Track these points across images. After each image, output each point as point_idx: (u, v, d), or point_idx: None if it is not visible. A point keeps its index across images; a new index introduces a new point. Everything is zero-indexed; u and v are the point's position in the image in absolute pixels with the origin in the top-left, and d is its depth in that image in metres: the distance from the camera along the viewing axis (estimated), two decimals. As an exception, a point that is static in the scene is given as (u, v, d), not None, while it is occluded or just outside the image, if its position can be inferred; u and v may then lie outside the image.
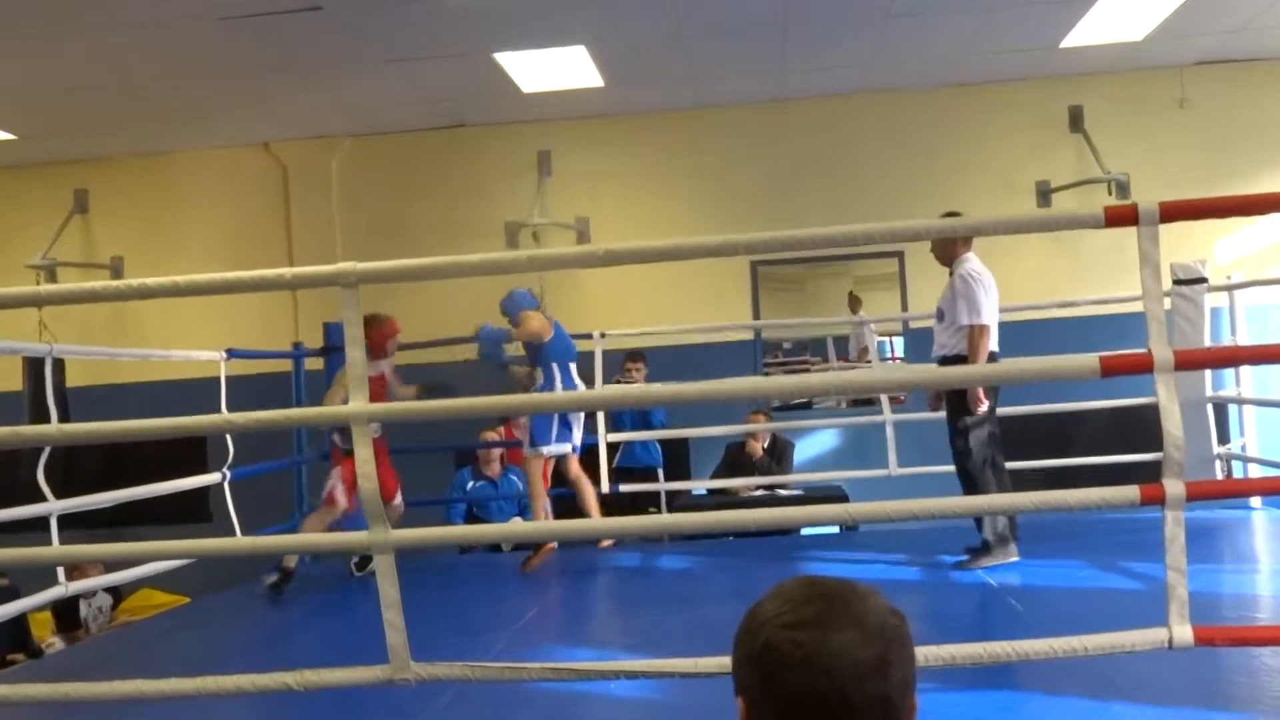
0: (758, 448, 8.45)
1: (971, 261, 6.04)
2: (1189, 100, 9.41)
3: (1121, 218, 3.22)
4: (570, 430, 6.92)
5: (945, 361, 6.08)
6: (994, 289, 5.99)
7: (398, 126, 9.91)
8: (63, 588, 5.65)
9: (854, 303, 9.81)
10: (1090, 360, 3.23)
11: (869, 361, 9.49)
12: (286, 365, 8.49)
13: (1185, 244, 8.17)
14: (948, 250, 6.14)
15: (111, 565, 6.55)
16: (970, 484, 5.94)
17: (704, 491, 8.33)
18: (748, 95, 9.63)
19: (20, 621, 6.77)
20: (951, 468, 7.52)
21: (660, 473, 8.66)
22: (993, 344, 5.93)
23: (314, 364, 8.33)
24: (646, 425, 8.46)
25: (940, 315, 6.14)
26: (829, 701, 1.26)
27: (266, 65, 8.10)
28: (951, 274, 6.10)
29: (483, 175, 10.02)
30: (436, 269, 3.92)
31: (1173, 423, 3.09)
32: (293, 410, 3.94)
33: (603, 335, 8.08)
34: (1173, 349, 3.14)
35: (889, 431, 7.55)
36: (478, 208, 9.95)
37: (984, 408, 5.86)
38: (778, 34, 8.06)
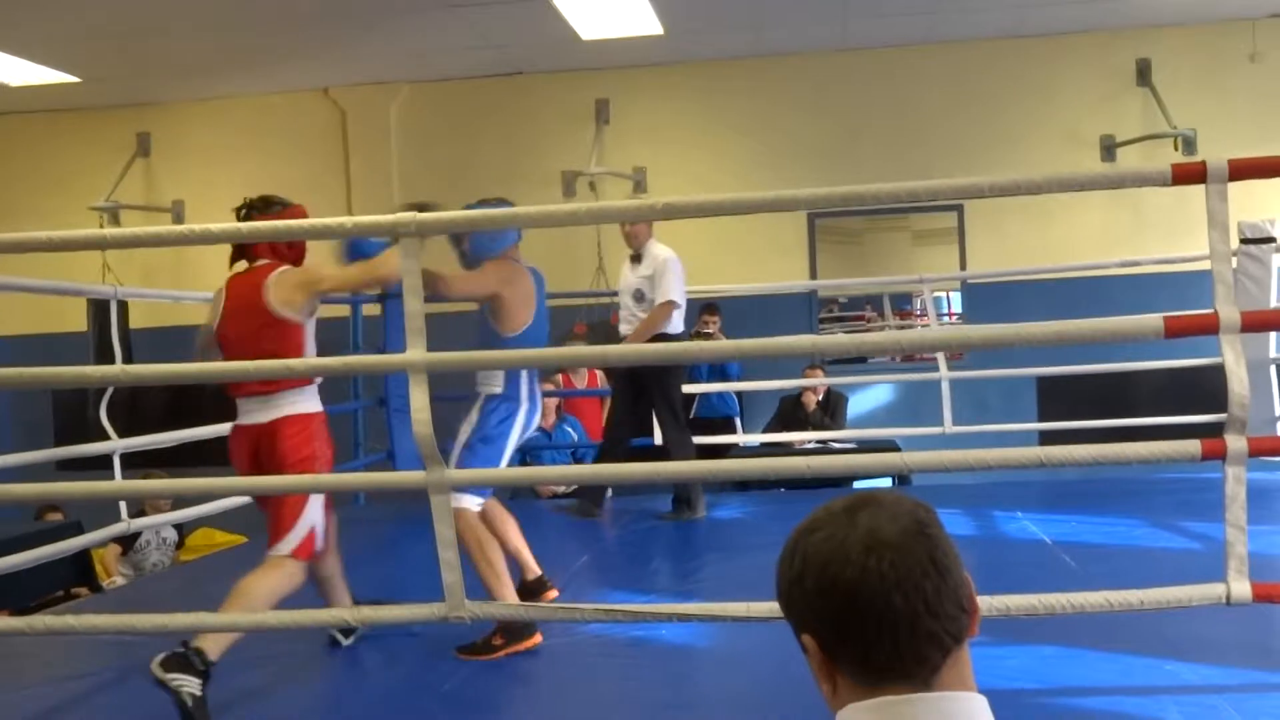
0: (813, 400, 8.46)
1: (663, 246, 6.52)
2: (1260, 54, 9.19)
3: (1189, 175, 3.15)
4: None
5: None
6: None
7: (457, 73, 9.90)
8: (125, 524, 5.77)
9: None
10: (1154, 320, 3.17)
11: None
12: (344, 310, 8.55)
13: (1253, 202, 8.01)
14: (641, 234, 6.51)
15: (175, 503, 6.69)
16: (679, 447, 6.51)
17: (757, 444, 8.33)
18: (809, 44, 9.52)
19: (83, 557, 6.92)
20: (1007, 426, 7.51)
21: (738, 422, 8.68)
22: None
23: (371, 309, 8.38)
24: (723, 377, 8.48)
25: (640, 296, 6.49)
26: (885, 577, 1.22)
27: (328, 10, 8.12)
28: (640, 257, 6.50)
29: (540, 123, 10.01)
30: (495, 221, 3.92)
31: (1238, 382, 3.04)
32: (351, 358, 3.96)
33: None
34: (1239, 310, 3.09)
35: (944, 388, 7.49)
36: (535, 156, 9.94)
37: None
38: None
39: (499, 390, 4.30)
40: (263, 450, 3.87)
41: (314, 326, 3.95)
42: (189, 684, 3.40)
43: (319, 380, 3.96)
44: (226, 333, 3.93)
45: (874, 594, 1.22)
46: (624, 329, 6.58)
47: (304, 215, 3.93)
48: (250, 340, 3.84)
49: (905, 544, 1.24)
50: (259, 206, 3.95)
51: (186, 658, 3.44)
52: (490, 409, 4.30)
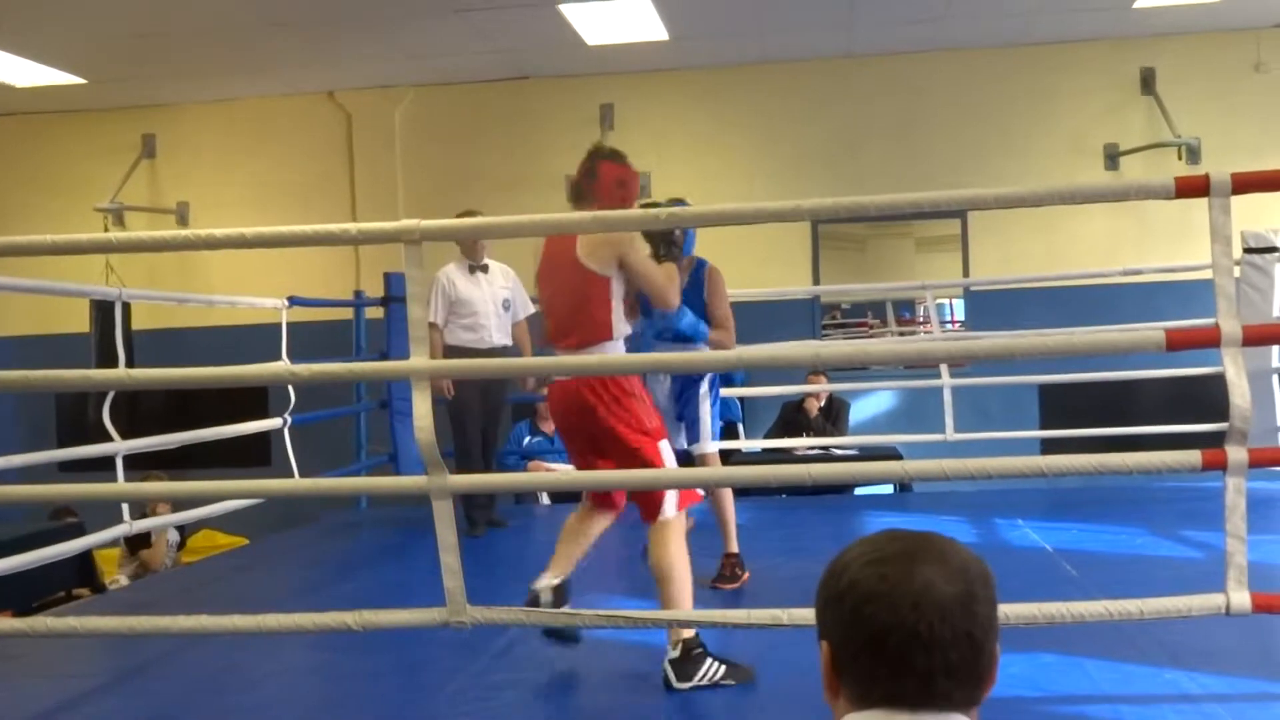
0: (815, 406, 8.45)
1: None
2: (1265, 63, 9.20)
3: (1192, 189, 3.15)
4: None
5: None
6: None
7: (462, 77, 9.92)
8: (127, 525, 5.77)
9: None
10: (1155, 334, 3.18)
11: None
12: (348, 314, 8.58)
13: (1256, 211, 8.01)
14: (487, 245, 6.54)
15: (177, 505, 6.69)
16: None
17: (758, 450, 8.32)
18: (815, 51, 9.53)
19: (86, 558, 6.93)
20: (1009, 433, 7.48)
21: (740, 428, 8.68)
22: None
23: (374, 313, 8.40)
24: (727, 383, 8.46)
25: (509, 305, 6.59)
26: (919, 635, 1.26)
27: (333, 14, 8.13)
28: (486, 267, 6.54)
29: (545, 128, 10.01)
30: (499, 228, 3.91)
31: (1240, 396, 3.05)
32: (355, 364, 3.89)
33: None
34: (1241, 323, 3.09)
35: (946, 395, 7.49)
36: (540, 160, 9.95)
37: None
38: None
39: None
40: (586, 418, 3.76)
41: (622, 290, 3.81)
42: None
43: (627, 332, 3.88)
44: (542, 292, 3.86)
45: (901, 645, 1.27)
46: (499, 338, 6.51)
47: (632, 176, 3.91)
48: (561, 295, 3.76)
49: (950, 612, 1.28)
50: (608, 155, 3.94)
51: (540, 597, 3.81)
52: (712, 377, 5.34)
